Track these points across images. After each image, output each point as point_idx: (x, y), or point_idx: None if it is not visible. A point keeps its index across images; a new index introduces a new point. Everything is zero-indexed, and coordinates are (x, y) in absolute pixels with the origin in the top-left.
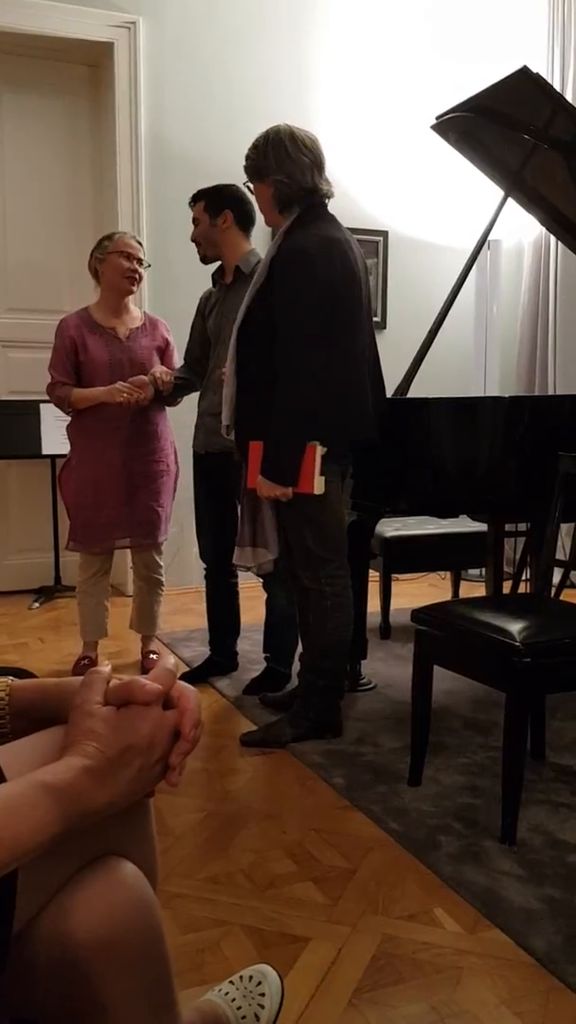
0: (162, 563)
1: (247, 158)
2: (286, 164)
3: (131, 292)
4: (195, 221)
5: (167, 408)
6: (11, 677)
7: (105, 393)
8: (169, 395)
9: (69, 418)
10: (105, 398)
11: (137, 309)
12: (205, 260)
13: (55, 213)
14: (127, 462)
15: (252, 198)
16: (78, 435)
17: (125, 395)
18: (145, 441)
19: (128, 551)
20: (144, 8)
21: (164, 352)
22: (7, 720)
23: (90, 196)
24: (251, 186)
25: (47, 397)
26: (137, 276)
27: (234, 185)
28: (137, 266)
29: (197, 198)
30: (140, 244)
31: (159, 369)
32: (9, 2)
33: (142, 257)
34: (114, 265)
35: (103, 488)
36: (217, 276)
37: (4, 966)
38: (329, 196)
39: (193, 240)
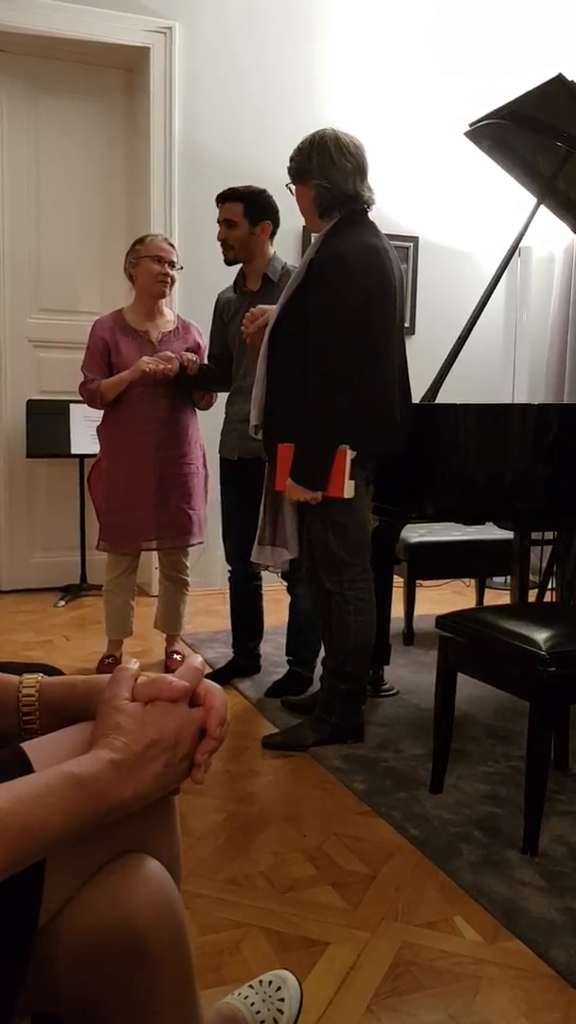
0: (188, 563)
1: (291, 159)
2: (328, 169)
3: (163, 296)
4: (229, 222)
5: (197, 412)
6: (40, 674)
7: (131, 372)
8: (196, 382)
9: (100, 418)
10: (132, 376)
11: (171, 312)
12: (233, 262)
13: (88, 215)
14: (157, 465)
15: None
16: (109, 436)
17: (151, 365)
18: (175, 444)
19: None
20: (180, 13)
21: (196, 356)
22: (36, 716)
23: (123, 198)
24: (292, 188)
25: (77, 397)
26: (169, 280)
27: (266, 191)
28: (169, 269)
29: (233, 198)
30: (172, 246)
31: (185, 353)
32: (47, 7)
33: (174, 260)
34: (146, 269)
35: (134, 490)
36: (239, 281)
37: (29, 960)
38: (371, 203)
39: (224, 241)
